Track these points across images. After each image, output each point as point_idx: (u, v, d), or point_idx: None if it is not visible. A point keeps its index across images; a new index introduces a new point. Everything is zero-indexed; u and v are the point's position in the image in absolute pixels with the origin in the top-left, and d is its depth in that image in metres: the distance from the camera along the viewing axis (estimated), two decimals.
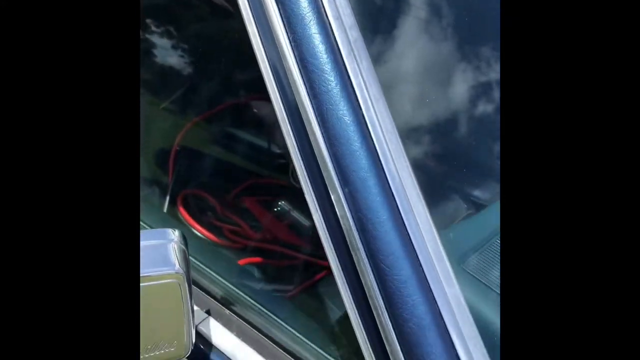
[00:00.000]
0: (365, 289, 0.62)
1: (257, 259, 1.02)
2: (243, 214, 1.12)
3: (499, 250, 0.83)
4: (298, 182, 0.67)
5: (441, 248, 0.63)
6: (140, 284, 0.67)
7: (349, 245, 0.63)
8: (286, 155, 0.74)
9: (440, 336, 0.60)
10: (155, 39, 1.34)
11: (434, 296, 0.61)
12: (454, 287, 0.62)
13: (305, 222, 0.95)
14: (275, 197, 1.07)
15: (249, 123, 1.21)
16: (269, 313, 0.85)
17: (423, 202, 0.64)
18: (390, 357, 0.62)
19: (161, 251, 0.67)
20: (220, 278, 0.91)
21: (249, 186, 1.15)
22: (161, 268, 0.67)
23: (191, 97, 1.31)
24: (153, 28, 1.35)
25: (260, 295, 0.91)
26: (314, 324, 0.91)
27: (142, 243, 0.68)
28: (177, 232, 0.70)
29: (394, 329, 0.61)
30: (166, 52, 1.33)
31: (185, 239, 0.70)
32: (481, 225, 0.86)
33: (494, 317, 0.72)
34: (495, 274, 0.80)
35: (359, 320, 0.64)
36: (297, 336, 0.81)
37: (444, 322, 0.61)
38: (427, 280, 0.61)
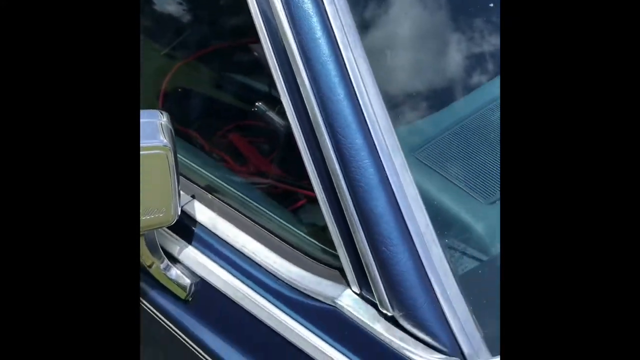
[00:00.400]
0: (324, 155, 0.73)
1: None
2: (229, 151, 1.21)
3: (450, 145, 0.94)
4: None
5: (390, 123, 0.74)
6: None
7: (312, 121, 0.74)
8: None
9: (385, 193, 0.71)
10: None
11: (382, 162, 0.72)
12: (400, 157, 0.73)
13: (280, 122, 1.05)
14: (260, 138, 1.16)
15: (236, 66, 1.28)
16: (248, 199, 0.96)
17: (376, 85, 0.75)
18: (345, 212, 0.74)
19: (151, 127, 0.78)
20: (204, 170, 1.01)
21: (236, 126, 1.24)
22: (151, 141, 0.77)
23: (189, 43, 1.39)
24: None
25: (241, 186, 1.03)
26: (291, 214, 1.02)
27: None
28: (165, 114, 0.81)
29: (347, 189, 0.72)
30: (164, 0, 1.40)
31: (171, 120, 0.81)
32: (436, 123, 0.96)
33: (436, 194, 0.84)
34: (448, 165, 0.91)
35: (319, 183, 0.75)
36: (273, 216, 0.93)
37: (390, 184, 0.72)
38: (376, 149, 0.73)
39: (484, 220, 0.83)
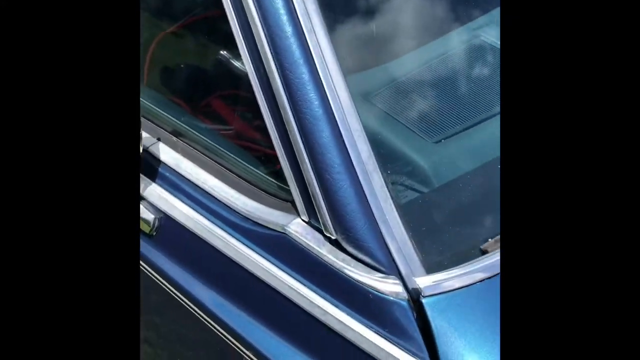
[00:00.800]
0: (274, 90, 0.78)
1: None
2: (212, 118, 1.25)
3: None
4: None
5: (336, 61, 0.79)
6: None
7: (262, 58, 0.79)
8: None
9: (329, 125, 0.77)
10: None
11: (327, 96, 0.77)
12: (346, 92, 0.78)
13: (242, 69, 1.09)
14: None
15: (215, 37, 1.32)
16: (211, 142, 1.01)
17: (325, 25, 0.79)
18: (293, 145, 0.79)
19: None
20: (170, 115, 1.06)
21: (219, 95, 1.27)
22: None
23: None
24: None
25: (205, 131, 1.07)
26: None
27: None
28: None
29: (295, 121, 0.78)
30: None
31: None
32: (390, 71, 1.01)
33: (383, 131, 0.89)
34: (398, 108, 0.96)
35: (270, 118, 0.80)
36: (233, 157, 0.98)
37: (335, 117, 0.77)
38: (322, 84, 0.78)
39: (428, 157, 0.88)
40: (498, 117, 0.92)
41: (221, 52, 1.07)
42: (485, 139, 0.93)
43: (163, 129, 1.04)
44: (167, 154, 0.98)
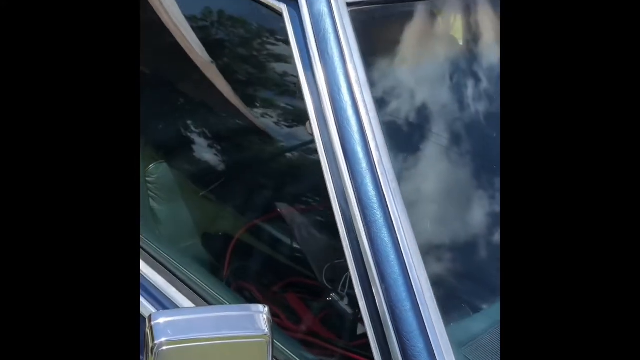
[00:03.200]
0: (392, 355, 0.92)
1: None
2: (283, 307, 1.40)
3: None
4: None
5: (443, 327, 0.93)
6: (234, 341, 0.97)
7: (383, 326, 0.94)
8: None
9: None
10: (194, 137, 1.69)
11: None
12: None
13: (349, 312, 1.24)
14: (313, 296, 1.35)
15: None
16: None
17: (433, 295, 0.95)
18: None
19: (257, 318, 0.98)
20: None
21: (289, 283, 1.44)
22: (254, 330, 0.97)
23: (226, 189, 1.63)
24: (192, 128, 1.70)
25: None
26: None
27: (239, 313, 1.00)
28: (266, 307, 1.01)
29: None
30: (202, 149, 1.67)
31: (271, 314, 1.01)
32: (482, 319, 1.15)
33: None
34: None
35: None
36: None
37: None
38: (434, 354, 0.91)
39: None
40: None
41: (333, 294, 1.24)
42: None
43: None
44: None
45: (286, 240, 1.51)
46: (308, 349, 1.27)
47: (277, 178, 1.58)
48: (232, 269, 1.53)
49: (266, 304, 1.40)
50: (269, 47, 1.39)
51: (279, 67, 1.43)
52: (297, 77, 1.07)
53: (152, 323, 0.93)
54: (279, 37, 1.32)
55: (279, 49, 1.35)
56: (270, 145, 1.60)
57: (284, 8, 1.10)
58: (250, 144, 1.65)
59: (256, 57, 1.49)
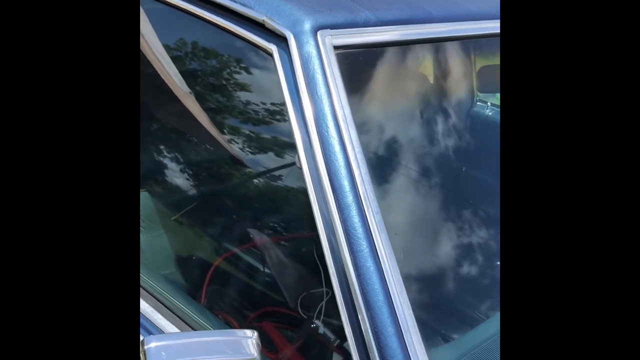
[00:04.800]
0: None
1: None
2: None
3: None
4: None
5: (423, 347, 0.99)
6: None
7: (368, 351, 0.99)
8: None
9: None
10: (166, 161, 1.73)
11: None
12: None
13: (332, 339, 1.29)
14: (288, 325, 1.39)
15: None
16: None
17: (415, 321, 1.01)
18: None
19: (246, 343, 1.03)
20: None
21: (265, 312, 1.48)
22: (244, 355, 1.02)
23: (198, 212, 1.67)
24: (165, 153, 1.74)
25: None
26: None
27: (230, 338, 1.04)
28: (255, 333, 1.06)
29: None
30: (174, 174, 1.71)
31: (259, 338, 1.06)
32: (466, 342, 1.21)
33: None
34: None
35: None
36: None
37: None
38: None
39: None
40: None
41: (316, 321, 1.29)
42: None
43: None
44: None
45: (262, 269, 1.55)
46: None
47: (256, 206, 1.63)
48: (210, 297, 1.56)
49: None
50: (248, 79, 1.45)
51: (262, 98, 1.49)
52: (285, 112, 1.13)
53: (145, 347, 0.97)
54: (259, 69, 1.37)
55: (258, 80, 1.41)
56: (250, 174, 1.66)
57: (274, 49, 1.17)
58: (231, 173, 1.70)
59: (234, 88, 1.54)
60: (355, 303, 1.01)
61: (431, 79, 1.48)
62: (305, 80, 1.12)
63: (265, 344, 1.39)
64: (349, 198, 1.06)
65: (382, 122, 1.28)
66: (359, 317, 1.01)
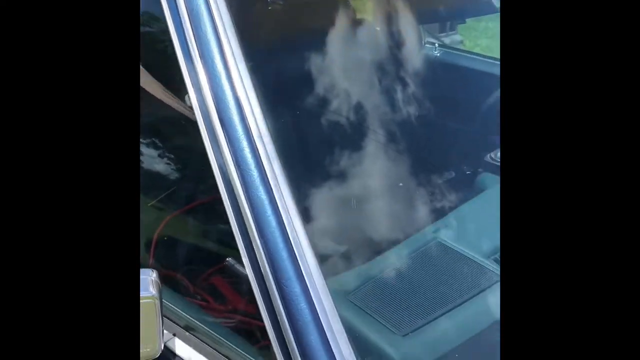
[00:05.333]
0: (272, 300, 0.99)
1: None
2: (211, 291, 1.45)
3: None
4: None
5: (321, 275, 1.00)
6: None
7: (263, 275, 1.01)
8: None
9: (317, 328, 0.97)
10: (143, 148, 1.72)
11: (315, 305, 0.98)
12: (329, 300, 0.99)
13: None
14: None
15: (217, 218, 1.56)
16: (220, 337, 1.20)
17: (311, 248, 1.02)
18: (288, 345, 0.98)
19: (145, 282, 1.04)
20: (184, 313, 1.26)
21: (218, 269, 1.49)
22: (143, 292, 1.03)
23: (173, 197, 1.68)
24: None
25: (215, 325, 1.27)
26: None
27: None
28: (154, 272, 1.07)
29: (289, 326, 0.98)
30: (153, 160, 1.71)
31: (159, 277, 1.07)
32: (365, 272, 1.23)
33: (360, 327, 1.09)
34: (372, 304, 1.17)
35: (269, 322, 1.00)
36: (241, 352, 1.16)
37: (321, 321, 0.97)
38: (311, 296, 0.99)
39: (398, 349, 1.08)
40: (459, 309, 1.14)
41: (229, 259, 1.30)
42: (447, 330, 1.13)
43: (178, 324, 1.23)
44: (182, 349, 1.17)
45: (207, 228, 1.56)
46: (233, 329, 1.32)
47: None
48: (159, 259, 1.57)
49: (196, 291, 1.45)
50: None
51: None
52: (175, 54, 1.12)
53: None
54: None
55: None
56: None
57: None
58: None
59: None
60: (249, 231, 1.02)
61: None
62: (189, 17, 1.11)
63: (218, 297, 1.41)
64: (239, 131, 1.06)
65: (273, 56, 1.27)
66: (253, 245, 1.02)
